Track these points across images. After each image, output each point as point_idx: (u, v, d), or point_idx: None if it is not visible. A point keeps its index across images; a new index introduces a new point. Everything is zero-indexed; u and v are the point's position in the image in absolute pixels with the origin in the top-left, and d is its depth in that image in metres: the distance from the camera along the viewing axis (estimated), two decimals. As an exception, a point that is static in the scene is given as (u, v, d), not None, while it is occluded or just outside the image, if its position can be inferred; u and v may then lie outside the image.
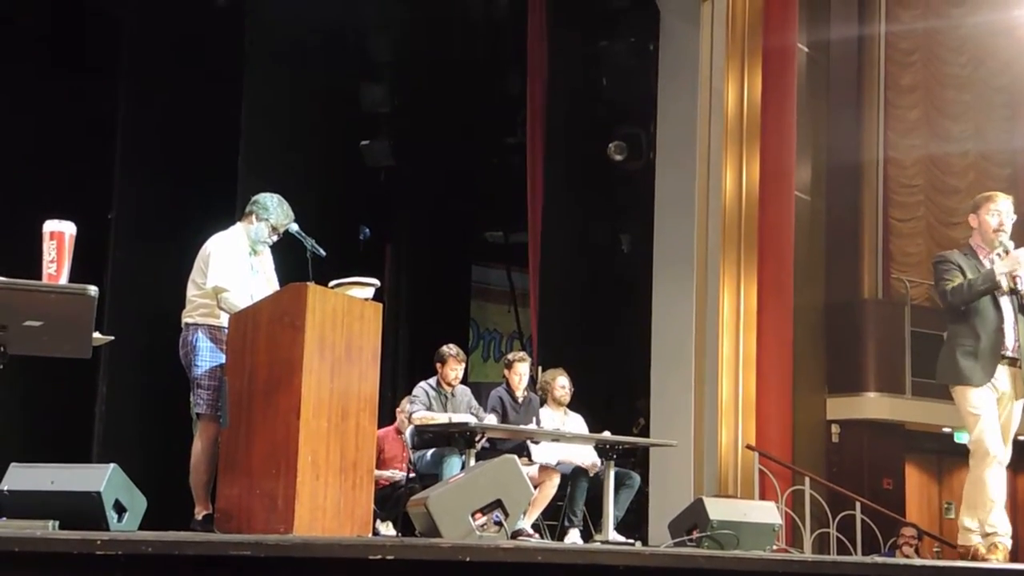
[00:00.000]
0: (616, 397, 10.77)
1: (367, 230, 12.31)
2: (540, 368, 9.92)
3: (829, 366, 11.29)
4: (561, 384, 8.00)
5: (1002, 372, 5.60)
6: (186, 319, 5.89)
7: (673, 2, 10.12)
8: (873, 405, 11.25)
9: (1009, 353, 5.56)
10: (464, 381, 7.84)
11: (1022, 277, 5.52)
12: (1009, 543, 5.56)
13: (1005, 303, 5.58)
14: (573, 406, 8.13)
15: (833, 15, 11.60)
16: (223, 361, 5.68)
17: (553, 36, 10.95)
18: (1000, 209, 5.66)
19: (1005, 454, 5.60)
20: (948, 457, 12.55)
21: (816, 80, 11.31)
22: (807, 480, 9.93)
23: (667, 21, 10.22)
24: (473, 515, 4.73)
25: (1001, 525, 5.54)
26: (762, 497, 9.51)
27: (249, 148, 10.13)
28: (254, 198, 6.00)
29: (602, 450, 7.51)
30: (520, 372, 7.71)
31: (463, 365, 7.62)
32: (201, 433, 5.79)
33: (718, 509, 6.83)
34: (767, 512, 7.20)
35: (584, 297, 11.47)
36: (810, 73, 11.15)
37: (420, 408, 7.39)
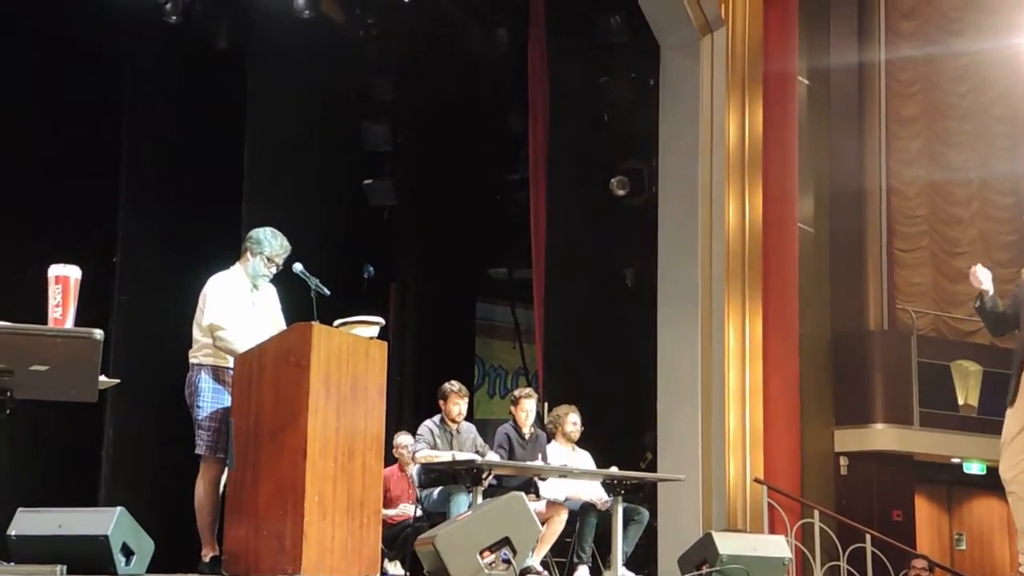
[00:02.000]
0: (623, 432, 10.72)
1: (371, 269, 12.33)
2: (546, 404, 9.90)
3: (836, 398, 11.28)
4: (572, 420, 7.99)
5: None
6: (191, 359, 5.90)
7: (672, 36, 10.17)
8: (881, 437, 11.22)
9: None
10: (470, 418, 7.83)
11: None
12: None
13: None
14: (580, 442, 8.10)
15: (833, 47, 11.67)
16: (227, 402, 5.68)
17: (553, 72, 11.00)
18: None
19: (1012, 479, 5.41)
20: (958, 487, 12.51)
21: (817, 112, 11.36)
22: (816, 513, 9.88)
23: (667, 55, 10.26)
24: (481, 553, 4.71)
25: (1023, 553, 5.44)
26: (771, 531, 9.46)
27: (252, 189, 10.19)
28: (248, 235, 6.03)
29: (610, 485, 7.48)
30: (527, 408, 7.70)
31: (466, 400, 7.60)
32: (203, 474, 5.79)
33: (728, 543, 6.82)
34: (777, 546, 7.19)
35: (589, 332, 11.45)
36: (811, 105, 11.20)
37: (424, 447, 7.38)
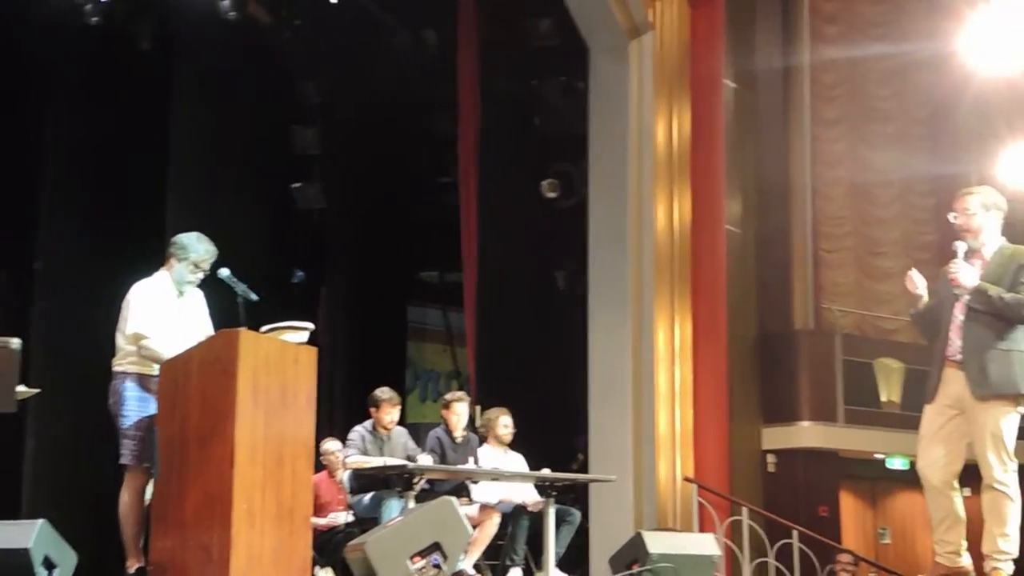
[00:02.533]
0: (555, 433, 10.77)
1: (301, 273, 12.25)
2: (479, 407, 9.91)
3: (763, 397, 11.40)
4: (504, 423, 8.00)
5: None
6: (115, 368, 5.82)
7: (601, 41, 10.23)
8: (807, 434, 11.36)
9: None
10: (402, 422, 7.80)
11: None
12: (955, 560, 5.47)
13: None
14: (512, 444, 8.11)
15: (758, 51, 11.81)
16: (153, 411, 5.61)
17: (483, 75, 11.02)
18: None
19: (934, 474, 5.46)
20: (882, 483, 12.73)
21: (744, 115, 11.48)
22: (745, 510, 9.99)
23: (596, 59, 10.33)
24: (412, 559, 4.70)
25: (939, 545, 5.51)
26: (701, 529, 9.55)
27: (177, 194, 10.07)
28: (172, 240, 5.95)
29: (542, 487, 7.50)
30: (458, 412, 7.70)
31: (398, 409, 7.56)
32: (128, 484, 5.71)
33: (657, 543, 6.88)
34: (706, 544, 7.27)
35: (521, 335, 11.50)
36: (737, 108, 11.32)
37: (354, 452, 7.34)
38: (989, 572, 5.35)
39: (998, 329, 5.29)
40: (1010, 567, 5.34)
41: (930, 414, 5.48)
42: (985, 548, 5.37)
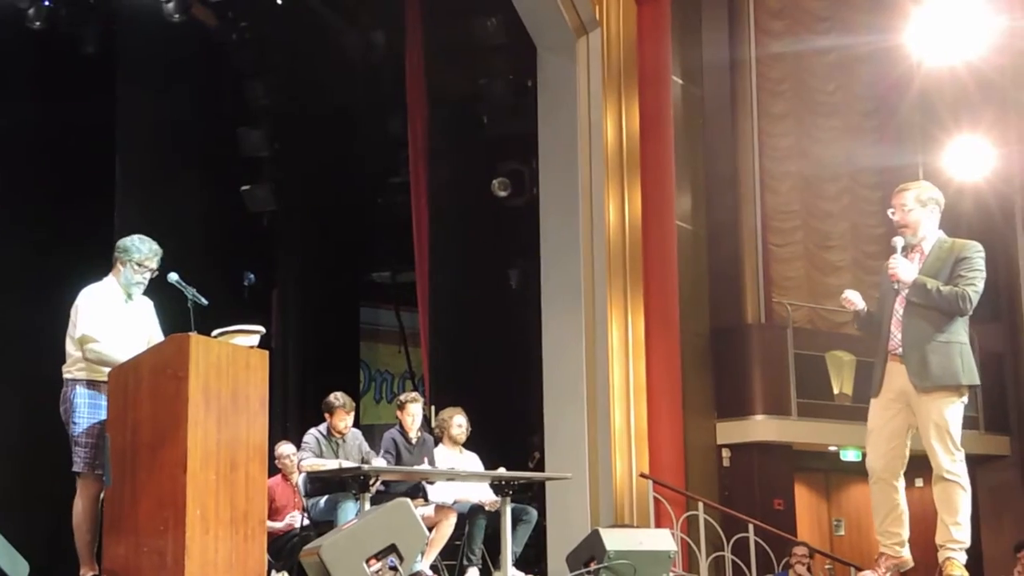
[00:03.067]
0: (511, 432, 10.78)
1: (252, 276, 12.16)
2: (433, 407, 9.89)
3: (717, 391, 11.47)
4: (458, 423, 7.99)
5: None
6: (65, 374, 5.76)
7: (549, 38, 10.24)
8: (761, 428, 11.45)
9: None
10: (357, 424, 7.78)
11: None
12: (899, 551, 5.56)
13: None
14: (468, 444, 8.11)
15: (705, 47, 11.88)
16: (104, 417, 5.55)
17: (431, 75, 11.00)
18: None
19: (883, 467, 5.54)
20: (835, 475, 12.85)
21: (691, 110, 11.55)
22: (701, 505, 10.06)
23: (544, 57, 10.34)
24: (368, 561, 4.68)
25: (884, 536, 5.58)
26: (657, 524, 9.60)
27: (125, 198, 9.97)
28: (116, 245, 5.90)
29: (498, 486, 7.50)
30: (413, 413, 7.67)
31: (352, 415, 7.54)
32: (81, 492, 5.65)
33: (614, 539, 6.90)
34: (662, 539, 7.30)
35: (475, 334, 11.49)
36: (685, 103, 11.38)
37: (309, 455, 7.30)
38: (943, 562, 5.40)
39: (937, 322, 5.36)
40: (963, 556, 5.40)
41: (876, 408, 5.54)
42: (939, 538, 5.43)
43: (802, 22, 12.78)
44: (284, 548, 7.53)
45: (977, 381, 5.44)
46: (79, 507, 5.65)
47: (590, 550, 6.98)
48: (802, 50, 12.62)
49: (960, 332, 5.40)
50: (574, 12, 10.07)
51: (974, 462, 12.89)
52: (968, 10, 9.54)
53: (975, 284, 5.33)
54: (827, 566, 11.01)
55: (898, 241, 5.49)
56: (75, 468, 5.64)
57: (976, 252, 5.41)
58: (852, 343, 11.86)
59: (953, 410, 5.38)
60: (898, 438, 5.50)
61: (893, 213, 5.56)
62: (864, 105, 13.28)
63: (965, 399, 5.45)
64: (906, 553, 5.56)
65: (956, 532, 5.39)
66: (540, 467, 10.06)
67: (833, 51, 12.82)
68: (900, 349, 5.42)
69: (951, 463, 5.36)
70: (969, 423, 13.14)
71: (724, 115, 12.08)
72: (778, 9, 12.59)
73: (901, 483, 5.59)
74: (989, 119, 12.73)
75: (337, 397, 7.45)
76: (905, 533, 5.55)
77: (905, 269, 5.40)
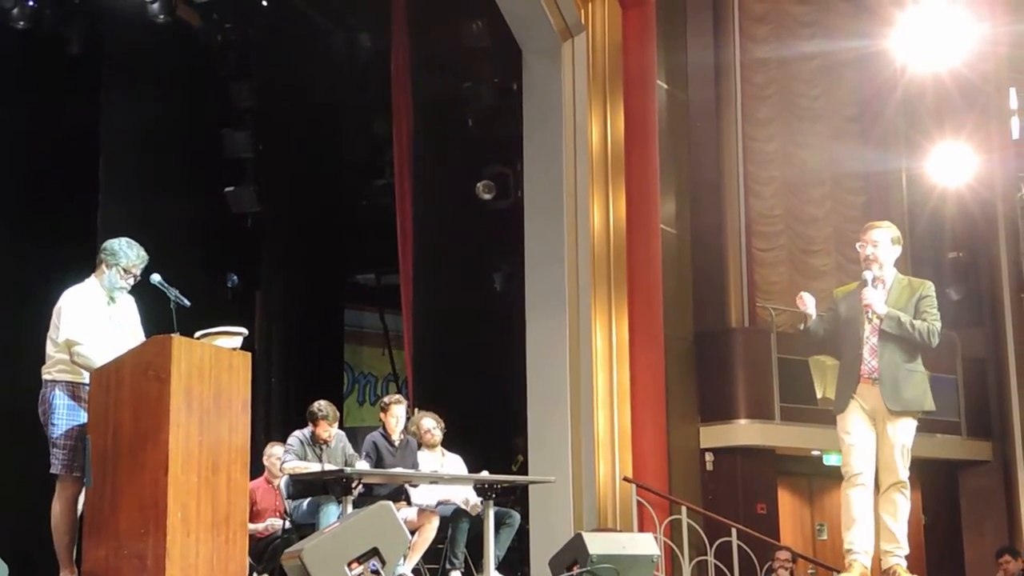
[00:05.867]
0: (494, 435, 10.77)
1: (235, 278, 12.13)
2: (416, 410, 9.88)
3: (700, 395, 11.47)
4: (426, 427, 7.97)
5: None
6: (44, 376, 5.72)
7: (534, 42, 10.25)
8: (744, 432, 11.45)
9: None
10: (341, 426, 7.76)
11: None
12: (867, 560, 5.84)
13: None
14: (451, 446, 8.09)
15: (690, 52, 11.89)
16: (83, 419, 5.52)
17: (416, 77, 10.99)
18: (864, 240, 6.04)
19: (863, 477, 5.87)
20: (818, 479, 12.86)
21: (676, 115, 11.56)
22: (684, 509, 10.06)
23: (529, 61, 10.35)
24: (349, 565, 4.67)
25: (859, 543, 5.84)
26: (641, 528, 9.59)
27: (109, 199, 9.93)
28: (102, 246, 5.88)
29: (481, 489, 7.49)
30: (396, 415, 7.67)
31: (336, 425, 7.52)
32: (59, 494, 5.63)
33: (597, 543, 6.90)
34: (645, 544, 7.30)
35: (459, 337, 11.48)
36: (670, 108, 11.39)
37: (292, 458, 7.29)
38: (892, 567, 5.80)
39: (907, 352, 5.86)
40: (905, 561, 5.83)
41: (852, 422, 5.93)
42: (884, 543, 5.85)
43: (786, 27, 12.81)
44: (265, 551, 7.50)
45: (934, 407, 5.99)
46: (57, 509, 5.62)
47: (573, 554, 6.98)
48: (786, 55, 12.65)
49: (921, 362, 5.96)
50: (559, 16, 10.08)
51: (956, 467, 13.16)
52: (951, 16, 9.59)
53: (939, 320, 5.87)
54: (810, 570, 11.04)
55: (868, 275, 5.90)
56: (53, 470, 5.61)
57: (933, 291, 5.96)
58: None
59: (913, 430, 5.90)
60: (871, 447, 5.91)
61: (863, 247, 5.99)
62: (848, 110, 13.33)
63: (917, 419, 5.95)
64: (868, 561, 5.89)
65: (901, 537, 5.84)
66: (524, 470, 10.05)
67: (817, 56, 12.87)
68: (875, 374, 5.84)
69: (906, 475, 5.87)
70: (951, 428, 13.26)
71: (709, 120, 12.10)
72: (762, 14, 12.62)
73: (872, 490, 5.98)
74: (972, 125, 12.80)
75: (321, 407, 7.43)
76: (871, 540, 5.90)
77: (878, 301, 5.85)
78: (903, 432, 5.82)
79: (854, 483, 5.87)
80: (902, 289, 5.94)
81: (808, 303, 5.96)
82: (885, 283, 5.94)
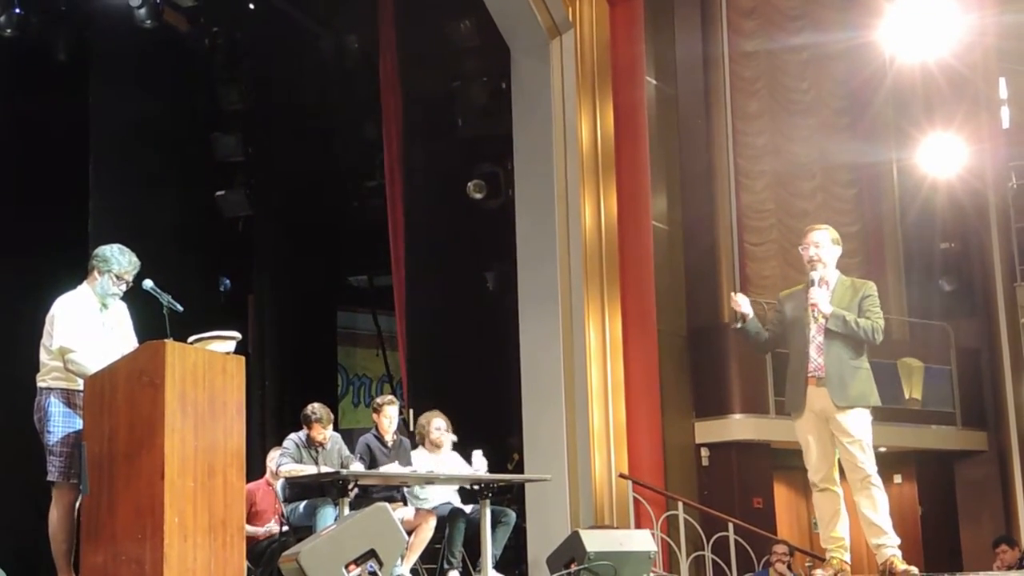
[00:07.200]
0: (490, 434, 10.75)
1: (227, 282, 12.11)
2: (411, 411, 9.88)
3: (695, 391, 11.46)
4: (436, 426, 7.97)
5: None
6: (39, 383, 5.73)
7: (522, 40, 10.25)
8: (739, 427, 11.44)
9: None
10: (336, 427, 7.75)
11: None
12: (845, 555, 6.00)
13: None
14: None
15: (678, 47, 11.88)
16: (79, 426, 5.52)
17: (405, 78, 10.99)
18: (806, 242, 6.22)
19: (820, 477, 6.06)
20: (814, 472, 12.86)
21: (666, 110, 11.55)
22: (680, 505, 10.07)
23: (517, 59, 10.35)
24: (347, 567, 4.67)
25: (834, 540, 6.04)
26: (637, 525, 9.61)
27: (100, 205, 9.92)
28: (94, 253, 5.87)
29: (477, 489, 7.48)
30: (389, 416, 7.67)
31: (330, 427, 7.53)
32: (56, 501, 5.63)
33: (594, 540, 6.91)
34: (643, 540, 7.32)
35: (452, 337, 11.47)
36: (659, 104, 11.39)
37: (288, 461, 7.29)
38: (889, 560, 5.86)
39: (851, 349, 6.00)
40: (899, 551, 5.90)
41: (804, 427, 6.10)
42: (873, 539, 5.94)
43: (774, 21, 12.81)
44: (264, 554, 7.49)
45: (880, 403, 6.09)
46: (54, 516, 5.62)
47: (570, 552, 6.99)
48: (775, 48, 12.65)
49: (866, 358, 6.07)
50: (547, 14, 10.08)
51: (952, 457, 13.17)
52: (940, 7, 9.61)
53: (882, 318, 6.04)
54: (807, 563, 11.04)
55: (814, 275, 6.08)
56: (50, 477, 5.62)
57: (875, 290, 6.14)
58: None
59: (867, 424, 5.98)
60: (828, 447, 6.03)
61: (805, 248, 6.18)
62: (837, 103, 13.33)
63: (870, 415, 6.04)
64: (848, 557, 6.04)
65: (888, 529, 5.92)
66: (519, 469, 10.05)
67: (806, 49, 12.86)
68: (821, 372, 5.97)
69: (872, 468, 5.93)
70: (946, 419, 13.27)
71: (698, 114, 12.09)
72: (750, 8, 12.62)
73: (840, 489, 6.10)
74: (962, 116, 12.81)
75: (314, 410, 7.44)
76: (846, 536, 6.04)
77: (824, 301, 6.01)
78: (856, 427, 5.92)
79: (818, 488, 6.07)
80: (845, 289, 6.11)
81: (743, 303, 6.18)
82: (829, 284, 6.09)
